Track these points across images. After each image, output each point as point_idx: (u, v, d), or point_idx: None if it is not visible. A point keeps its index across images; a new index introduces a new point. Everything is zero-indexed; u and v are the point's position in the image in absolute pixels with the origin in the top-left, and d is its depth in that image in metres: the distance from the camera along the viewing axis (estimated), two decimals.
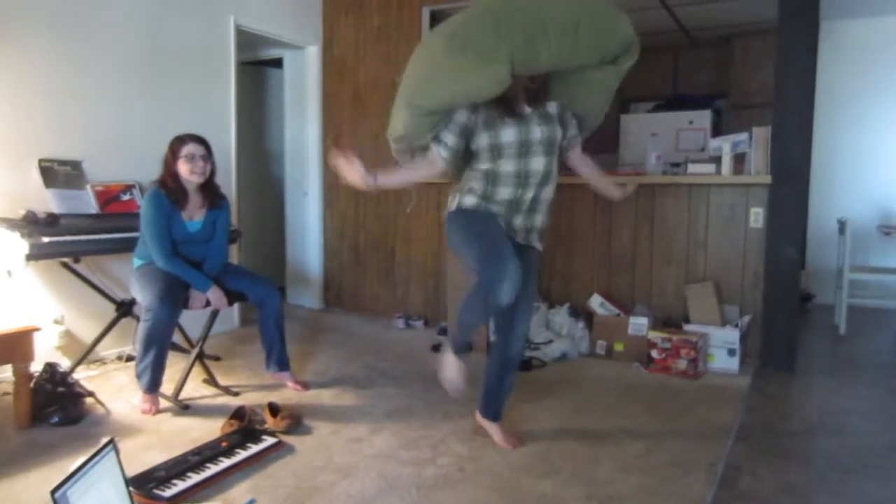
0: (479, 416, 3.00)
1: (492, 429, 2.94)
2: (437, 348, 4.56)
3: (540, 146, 2.65)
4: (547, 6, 2.46)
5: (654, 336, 4.10)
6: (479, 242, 2.61)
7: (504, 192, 2.67)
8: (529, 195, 2.69)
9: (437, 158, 2.71)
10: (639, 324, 4.29)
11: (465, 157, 2.78)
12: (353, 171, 2.56)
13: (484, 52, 2.42)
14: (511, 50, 2.41)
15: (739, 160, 4.28)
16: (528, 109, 2.68)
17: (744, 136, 4.23)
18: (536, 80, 2.66)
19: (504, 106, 2.64)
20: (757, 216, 4.21)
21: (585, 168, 2.95)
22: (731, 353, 4.07)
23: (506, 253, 2.53)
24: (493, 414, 2.95)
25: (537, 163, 2.65)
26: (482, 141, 2.66)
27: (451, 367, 2.67)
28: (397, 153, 2.97)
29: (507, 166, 2.64)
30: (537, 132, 2.65)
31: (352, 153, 2.56)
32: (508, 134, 2.62)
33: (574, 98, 2.77)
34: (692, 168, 4.41)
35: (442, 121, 2.66)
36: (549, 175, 2.71)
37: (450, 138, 2.67)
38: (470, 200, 2.71)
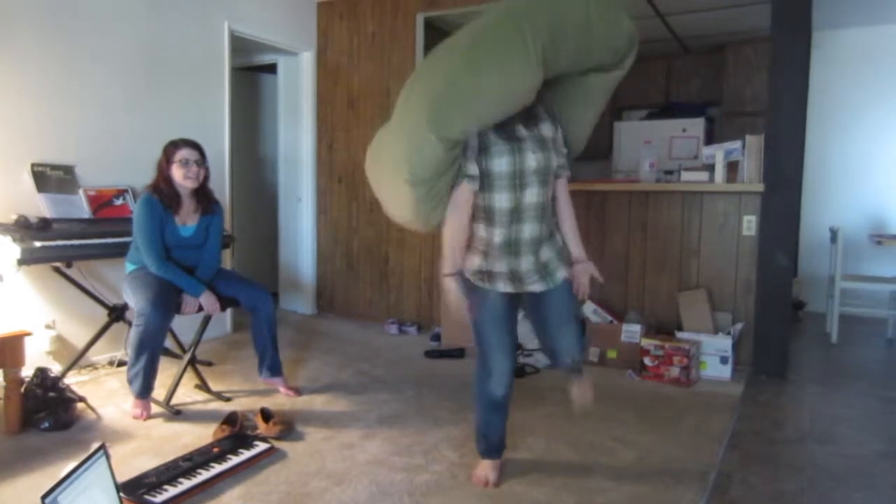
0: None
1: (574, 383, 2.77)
2: (429, 354, 4.56)
3: (534, 176, 2.38)
4: (558, 4, 2.23)
5: (647, 343, 4.11)
6: (479, 330, 2.52)
7: (503, 234, 2.41)
8: (528, 234, 2.42)
9: (468, 193, 2.38)
10: (632, 331, 4.30)
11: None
12: (453, 297, 2.42)
13: (513, 58, 2.14)
14: (541, 50, 2.14)
15: (732, 168, 4.30)
16: (523, 131, 2.41)
17: (737, 144, 4.25)
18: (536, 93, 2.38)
19: (500, 126, 2.36)
20: (749, 224, 4.23)
21: (565, 212, 2.59)
22: (724, 360, 4.08)
23: (495, 345, 2.49)
24: (574, 373, 2.73)
25: (531, 195, 2.39)
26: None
27: (483, 468, 2.67)
28: (414, 210, 2.42)
29: (500, 202, 2.38)
30: (532, 161, 2.37)
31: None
32: (502, 163, 2.35)
33: (566, 114, 2.55)
34: (685, 176, 4.43)
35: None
36: (545, 207, 2.46)
37: (472, 167, 2.36)
38: (472, 262, 2.48)
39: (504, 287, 2.47)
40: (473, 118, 2.21)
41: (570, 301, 2.56)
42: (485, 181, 2.39)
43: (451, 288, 2.41)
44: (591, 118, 2.62)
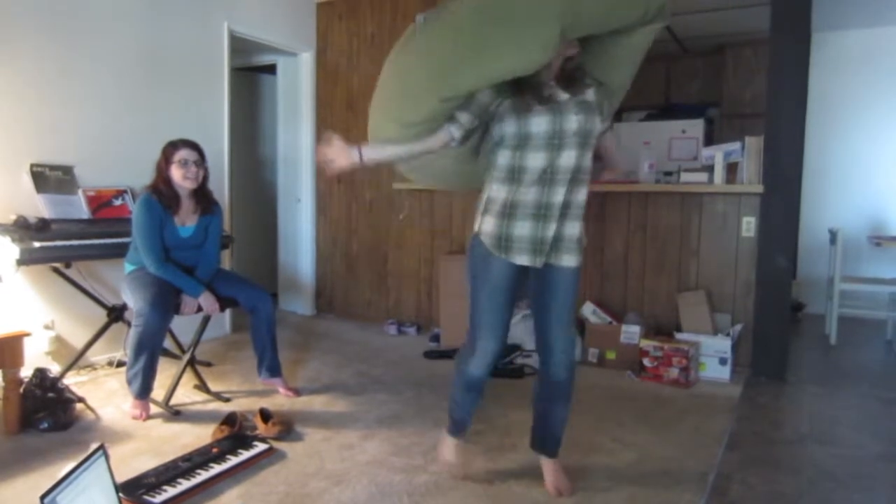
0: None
1: (543, 464, 2.63)
2: (429, 355, 4.56)
3: (574, 138, 2.30)
4: None
5: (646, 344, 4.11)
6: (475, 304, 2.46)
7: (529, 194, 2.33)
8: (558, 198, 2.33)
9: (446, 135, 2.34)
10: (631, 332, 4.29)
11: (485, 150, 2.51)
12: (334, 150, 2.35)
13: (527, 13, 2.07)
14: (561, 6, 2.06)
15: (732, 169, 4.30)
16: (564, 95, 2.33)
17: (736, 145, 4.25)
18: (574, 57, 2.34)
19: (533, 90, 2.30)
20: (749, 225, 4.23)
21: (608, 150, 2.65)
22: (723, 361, 4.08)
23: (487, 324, 2.44)
24: (545, 448, 2.64)
25: (568, 157, 2.30)
26: (508, 127, 2.32)
27: (445, 448, 2.68)
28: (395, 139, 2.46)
29: (534, 160, 2.30)
30: (573, 122, 2.30)
31: (329, 136, 2.38)
32: (539, 123, 2.28)
33: (607, 76, 2.48)
34: (685, 177, 4.43)
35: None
36: (581, 171, 2.36)
37: (465, 117, 2.31)
38: (489, 226, 2.39)
39: (519, 258, 2.37)
40: (482, 76, 2.19)
41: (575, 297, 2.50)
42: (520, 141, 2.32)
43: (349, 158, 2.36)
44: (628, 78, 2.57)
